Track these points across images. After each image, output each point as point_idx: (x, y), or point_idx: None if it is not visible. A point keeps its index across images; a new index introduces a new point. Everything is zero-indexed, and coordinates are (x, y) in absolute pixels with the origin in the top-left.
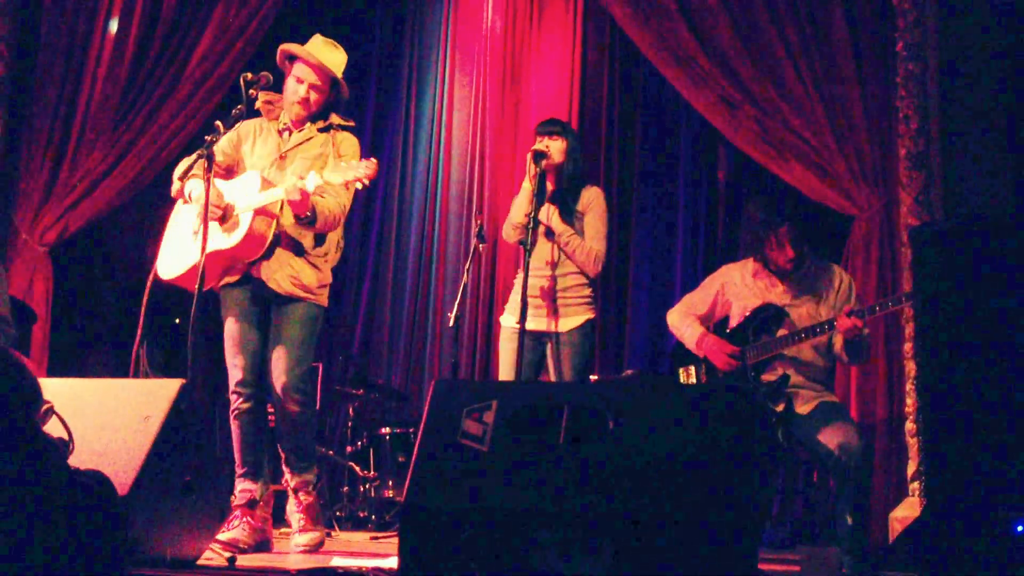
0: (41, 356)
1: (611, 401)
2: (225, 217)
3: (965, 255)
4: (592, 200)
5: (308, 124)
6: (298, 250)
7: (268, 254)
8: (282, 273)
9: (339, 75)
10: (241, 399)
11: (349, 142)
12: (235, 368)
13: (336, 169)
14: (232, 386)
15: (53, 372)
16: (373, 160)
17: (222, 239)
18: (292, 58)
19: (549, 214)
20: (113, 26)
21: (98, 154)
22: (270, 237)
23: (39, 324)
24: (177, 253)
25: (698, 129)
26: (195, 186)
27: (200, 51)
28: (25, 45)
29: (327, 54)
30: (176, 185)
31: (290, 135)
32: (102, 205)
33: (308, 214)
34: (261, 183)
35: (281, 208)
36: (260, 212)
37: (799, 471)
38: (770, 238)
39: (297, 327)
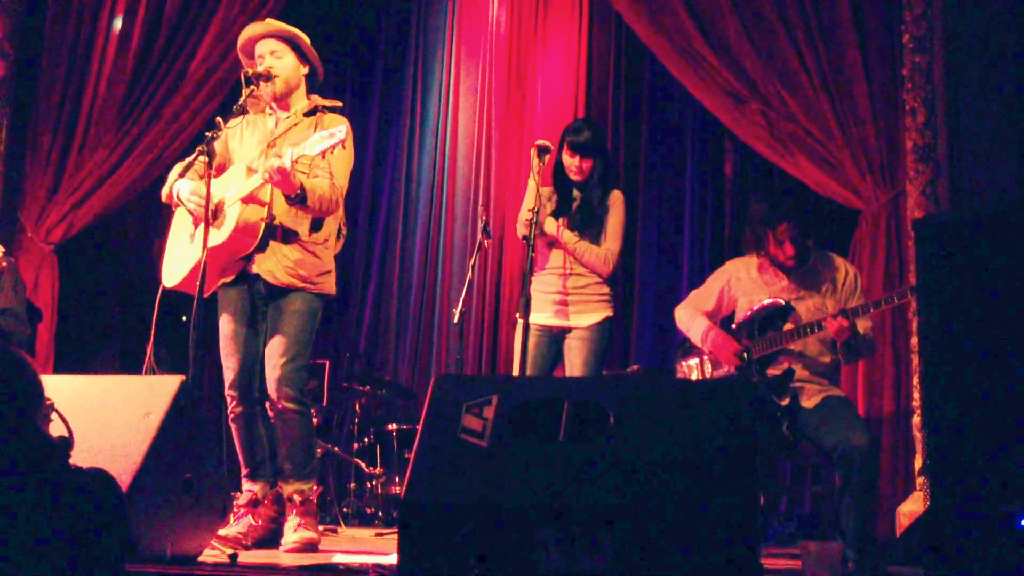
0: (47, 354)
1: (613, 396)
2: (216, 214)
3: (969, 247)
4: (613, 202)
5: (293, 110)
6: (293, 238)
7: (262, 246)
8: (276, 263)
9: (292, 31)
10: (235, 402)
11: (338, 123)
12: (228, 370)
13: (311, 140)
14: (226, 388)
15: (59, 370)
16: (346, 123)
17: (214, 236)
18: (251, 54)
19: (558, 229)
20: (117, 25)
21: (103, 152)
22: (262, 227)
23: (45, 322)
24: (176, 259)
25: (704, 124)
26: (182, 187)
27: (203, 50)
28: (29, 44)
29: (273, 22)
30: (167, 187)
31: (277, 124)
32: (107, 203)
33: (298, 192)
34: (246, 172)
35: (272, 196)
36: (248, 200)
37: (806, 465)
38: (769, 235)
39: (294, 319)
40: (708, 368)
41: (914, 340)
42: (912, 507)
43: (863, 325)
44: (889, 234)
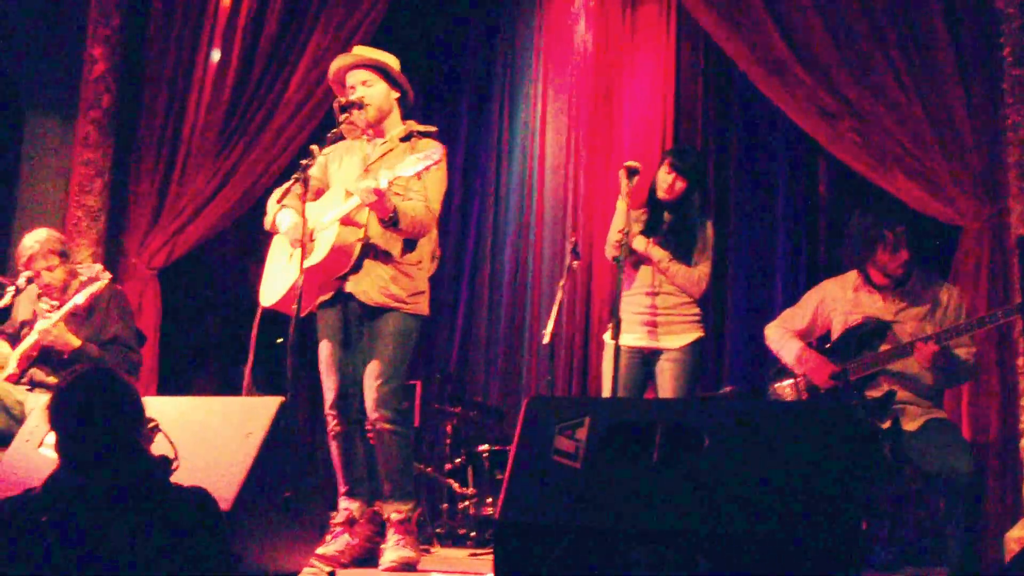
0: (150, 376)
1: (707, 418)
2: (313, 236)
3: None
4: (704, 228)
5: (389, 135)
6: (387, 259)
7: (357, 266)
8: (371, 283)
9: (381, 60)
10: (335, 421)
11: (432, 146)
12: (328, 390)
13: (406, 162)
14: (326, 408)
15: (161, 391)
16: (441, 145)
17: (311, 256)
18: (343, 82)
19: (647, 246)
20: (215, 56)
21: (202, 179)
22: (357, 248)
23: (148, 346)
24: (274, 280)
25: (796, 142)
26: (284, 217)
27: (297, 77)
28: (131, 77)
29: (361, 51)
30: (270, 217)
31: (374, 149)
32: (207, 228)
33: (391, 215)
34: (344, 195)
35: (368, 218)
36: (345, 222)
37: (909, 490)
38: (886, 238)
39: (388, 340)
40: (804, 392)
41: (1020, 360)
42: (1021, 533)
43: (965, 349)
44: (993, 251)
